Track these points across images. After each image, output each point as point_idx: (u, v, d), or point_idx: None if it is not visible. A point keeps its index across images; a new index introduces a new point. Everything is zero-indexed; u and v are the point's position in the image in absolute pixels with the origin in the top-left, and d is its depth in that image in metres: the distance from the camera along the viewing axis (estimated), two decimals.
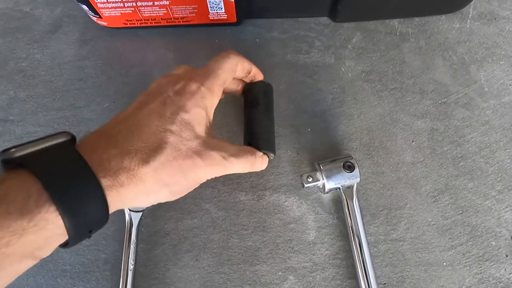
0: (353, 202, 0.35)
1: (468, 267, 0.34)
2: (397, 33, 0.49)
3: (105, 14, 0.45)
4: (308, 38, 0.49)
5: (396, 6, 0.48)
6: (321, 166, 0.35)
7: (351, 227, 0.34)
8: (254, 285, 0.34)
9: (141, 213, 0.35)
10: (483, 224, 0.36)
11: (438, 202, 0.37)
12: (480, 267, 0.34)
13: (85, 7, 0.44)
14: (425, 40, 0.48)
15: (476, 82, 0.45)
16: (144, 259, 0.35)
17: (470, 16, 0.51)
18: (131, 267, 0.32)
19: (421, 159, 0.40)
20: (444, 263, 0.34)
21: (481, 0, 0.52)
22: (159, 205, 0.37)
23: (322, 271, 0.34)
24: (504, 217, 0.36)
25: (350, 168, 0.35)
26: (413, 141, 0.41)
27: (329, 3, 0.47)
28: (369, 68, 0.46)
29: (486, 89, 0.44)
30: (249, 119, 0.38)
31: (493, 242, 0.35)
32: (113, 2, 0.43)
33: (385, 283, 0.33)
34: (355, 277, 0.33)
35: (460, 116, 0.42)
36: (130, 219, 0.34)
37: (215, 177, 0.38)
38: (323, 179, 0.35)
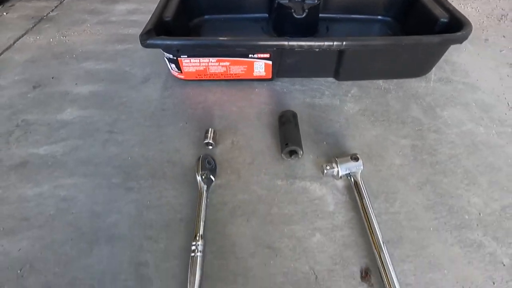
0: (360, 183, 0.49)
1: (449, 232, 0.46)
2: (382, 88, 0.71)
3: (185, 70, 0.69)
4: (320, 89, 0.70)
5: (379, 72, 0.71)
6: (336, 158, 0.51)
7: (361, 200, 0.47)
8: (291, 238, 0.45)
9: (212, 183, 0.50)
10: (457, 205, 0.49)
11: (422, 190, 0.51)
12: (458, 232, 0.46)
13: (173, 65, 0.68)
14: (402, 92, 0.70)
15: (441, 118, 0.64)
16: (210, 219, 0.47)
17: (432, 79, 0.73)
18: (203, 218, 0.45)
19: (407, 163, 0.55)
20: (431, 229, 0.46)
21: (439, 70, 0.75)
22: (220, 185, 0.52)
23: (340, 230, 0.46)
24: (473, 200, 0.49)
25: (356, 159, 0.50)
26: (400, 152, 0.57)
27: (333, 69, 0.70)
28: (364, 108, 0.66)
29: (449, 122, 0.63)
30: (285, 130, 0.56)
31: (466, 216, 0.47)
32: (193, 63, 0.67)
33: (388, 240, 0.45)
34: (365, 235, 0.45)
35: (432, 138, 0.59)
36: (202, 186, 0.48)
37: (259, 168, 0.53)
38: (337, 167, 0.50)
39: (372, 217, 0.45)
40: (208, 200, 0.49)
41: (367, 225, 0.45)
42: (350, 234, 0.46)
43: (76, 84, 0.73)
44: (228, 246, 0.45)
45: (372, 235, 0.44)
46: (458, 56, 0.80)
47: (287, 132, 0.55)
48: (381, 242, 0.42)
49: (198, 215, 0.46)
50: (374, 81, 0.73)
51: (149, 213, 0.48)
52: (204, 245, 0.44)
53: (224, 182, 0.52)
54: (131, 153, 0.57)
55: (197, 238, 0.43)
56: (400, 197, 0.50)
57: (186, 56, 0.65)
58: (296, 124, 0.57)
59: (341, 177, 0.50)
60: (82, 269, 0.43)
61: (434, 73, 0.75)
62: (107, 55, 0.82)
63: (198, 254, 0.42)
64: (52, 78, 0.75)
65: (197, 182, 0.50)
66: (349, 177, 0.51)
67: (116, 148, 0.58)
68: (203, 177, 0.50)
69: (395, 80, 0.73)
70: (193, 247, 0.42)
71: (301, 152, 0.54)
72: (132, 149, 0.58)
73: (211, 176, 0.51)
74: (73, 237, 0.46)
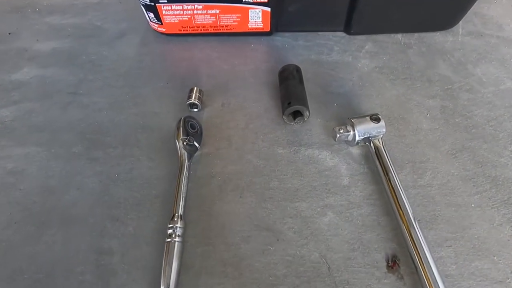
0: (382, 150, 0.39)
1: (496, 209, 0.36)
2: (402, 43, 0.59)
3: (166, 21, 0.57)
4: (328, 45, 0.59)
5: (398, 23, 0.59)
6: (351, 120, 0.40)
7: (384, 171, 0.37)
8: (296, 218, 0.36)
9: (196, 151, 0.39)
10: (502, 176, 0.39)
11: (458, 158, 0.41)
12: (508, 209, 0.36)
13: (151, 14, 0.56)
14: (426, 48, 0.58)
15: (474, 75, 0.53)
16: (193, 195, 0.37)
17: (460, 33, 0.62)
18: (183, 194, 0.35)
19: (437, 127, 0.45)
20: (473, 205, 0.36)
21: (467, 23, 0.63)
22: (207, 154, 0.42)
23: (358, 208, 0.36)
24: None
25: (376, 120, 0.40)
26: (427, 114, 0.47)
27: (344, 18, 0.58)
28: (382, 65, 0.55)
29: (484, 80, 0.52)
30: (287, 87, 0.45)
31: None
32: (175, 10, 0.55)
33: (419, 220, 0.35)
34: (390, 213, 0.35)
35: (465, 98, 0.49)
36: (184, 154, 0.38)
37: (255, 134, 0.43)
38: (353, 130, 0.40)
39: (400, 191, 0.36)
40: (190, 171, 0.39)
41: (393, 201, 0.35)
42: (371, 212, 0.36)
43: (37, 40, 0.61)
44: (215, 229, 0.35)
45: (401, 213, 0.34)
46: (488, 8, 0.68)
47: (289, 90, 0.44)
48: (413, 222, 0.33)
49: (178, 191, 0.36)
50: (392, 35, 0.61)
51: (116, 189, 0.38)
52: (184, 228, 0.34)
53: (211, 150, 0.42)
54: (98, 117, 0.46)
55: (175, 219, 0.33)
56: (431, 167, 0.40)
57: (165, 2, 0.53)
58: (301, 80, 0.46)
59: (357, 142, 0.40)
60: (27, 259, 0.33)
61: (461, 26, 0.63)
62: (76, 8, 0.69)
63: (176, 239, 0.32)
64: (9, 34, 0.63)
65: (177, 150, 0.39)
66: (367, 143, 0.41)
67: (79, 112, 0.47)
68: (185, 143, 0.39)
69: (416, 34, 0.61)
70: (170, 231, 0.33)
71: (307, 114, 0.43)
72: (99, 113, 0.47)
73: (195, 143, 0.41)
74: (18, 219, 0.36)
